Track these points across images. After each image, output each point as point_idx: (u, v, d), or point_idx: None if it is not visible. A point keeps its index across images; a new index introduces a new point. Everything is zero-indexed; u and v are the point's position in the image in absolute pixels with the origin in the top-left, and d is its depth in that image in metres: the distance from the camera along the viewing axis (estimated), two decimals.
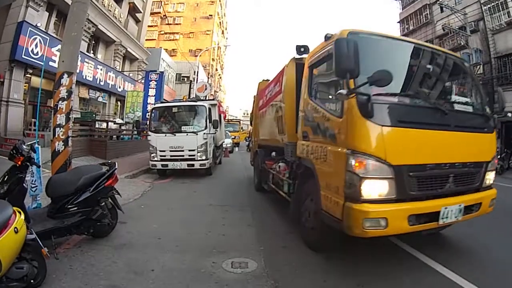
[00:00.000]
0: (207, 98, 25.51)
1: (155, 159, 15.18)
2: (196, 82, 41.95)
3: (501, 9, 28.40)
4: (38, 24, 19.32)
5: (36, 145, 6.99)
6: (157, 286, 4.80)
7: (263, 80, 13.39)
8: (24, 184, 5.54)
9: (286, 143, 8.19)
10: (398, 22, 43.72)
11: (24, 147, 5.67)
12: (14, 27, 17.84)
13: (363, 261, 5.77)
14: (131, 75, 35.31)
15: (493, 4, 29.01)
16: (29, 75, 19.45)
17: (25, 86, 19.38)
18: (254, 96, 14.74)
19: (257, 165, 12.97)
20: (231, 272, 5.32)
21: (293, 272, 5.37)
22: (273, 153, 10.48)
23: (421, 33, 38.37)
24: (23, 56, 18.02)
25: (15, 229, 4.18)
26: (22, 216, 4.47)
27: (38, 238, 4.71)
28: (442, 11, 34.16)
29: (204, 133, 15.25)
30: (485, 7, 29.67)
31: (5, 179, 5.39)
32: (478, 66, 28.53)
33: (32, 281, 4.52)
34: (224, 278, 5.08)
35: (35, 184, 7.19)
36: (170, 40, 65.97)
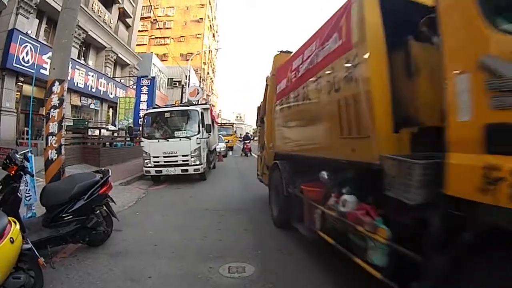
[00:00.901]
0: (199, 102, 25.59)
1: (149, 165, 15.15)
2: (188, 86, 42.02)
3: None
4: (29, 32, 19.21)
5: (29, 154, 6.97)
6: None
7: (282, 52, 9.59)
8: (18, 194, 5.52)
9: (382, 156, 3.93)
10: None
11: (17, 156, 5.65)
12: (5, 35, 17.68)
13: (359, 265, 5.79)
14: (122, 81, 35.15)
15: None
16: (21, 83, 19.32)
17: (17, 94, 19.27)
18: (267, 78, 10.60)
19: (275, 187, 8.72)
20: (228, 277, 5.33)
21: (289, 276, 5.38)
22: (324, 173, 5.73)
23: None
24: (14, 64, 17.86)
25: (11, 239, 4.13)
26: (18, 226, 4.44)
27: (34, 247, 4.65)
28: None
29: (197, 138, 15.25)
30: None
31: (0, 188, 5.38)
32: None
33: None
34: (221, 283, 5.09)
35: (29, 193, 7.17)
36: (161, 44, 66.03)
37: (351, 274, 5.24)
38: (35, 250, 4.62)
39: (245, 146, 36.62)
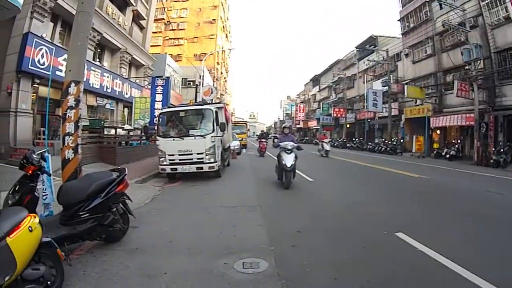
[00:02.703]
0: (213, 102, 25.61)
1: (164, 163, 15.23)
2: (202, 86, 42.06)
3: (498, 4, 28.16)
4: (44, 35, 19.42)
5: (46, 154, 7.03)
6: None
7: None
8: (35, 193, 5.61)
9: None
10: (398, 20, 43.56)
11: (34, 156, 5.74)
12: (20, 38, 17.93)
13: (372, 260, 5.81)
14: (137, 81, 35.40)
15: None
16: (37, 85, 19.52)
17: (33, 96, 19.47)
18: None
19: None
20: (242, 272, 5.35)
21: (303, 271, 5.38)
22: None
23: (421, 31, 38.19)
24: (29, 67, 18.10)
25: (30, 228, 4.32)
26: (37, 219, 4.59)
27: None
28: (441, 7, 33.90)
29: (212, 136, 15.30)
30: (483, 2, 29.41)
31: (17, 188, 5.47)
32: (479, 61, 28.39)
33: (48, 282, 4.59)
34: (236, 279, 5.11)
35: (46, 192, 7.25)
36: (175, 45, 66.39)
37: (364, 270, 5.29)
38: (54, 242, 4.73)
39: (260, 146, 32.31)
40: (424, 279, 5.00)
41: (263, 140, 32.99)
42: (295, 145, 13.95)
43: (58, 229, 5.78)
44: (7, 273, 4.08)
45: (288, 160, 13.22)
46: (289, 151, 13.46)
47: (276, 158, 14.71)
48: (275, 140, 28.02)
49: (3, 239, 4.10)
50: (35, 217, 4.59)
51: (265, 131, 46.80)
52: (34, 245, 4.41)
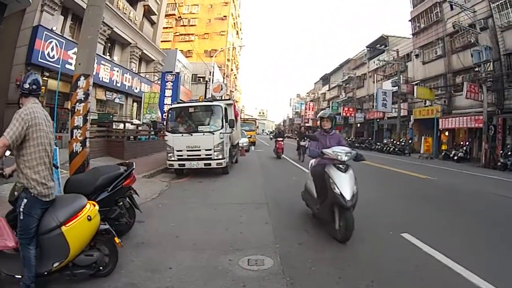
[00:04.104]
0: (223, 98, 25.58)
1: (172, 158, 15.25)
2: (212, 82, 42.10)
3: (509, 7, 28.05)
4: (54, 28, 19.54)
5: (54, 147, 7.08)
6: (174, 284, 4.83)
7: None
8: None
9: None
10: (409, 20, 43.47)
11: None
12: (30, 31, 18.11)
13: (377, 260, 5.80)
14: (147, 76, 35.54)
15: (501, 1, 28.68)
16: (46, 78, 19.60)
17: (42, 88, 19.58)
18: None
19: None
20: (247, 269, 5.35)
21: (308, 269, 5.39)
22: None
23: (432, 31, 38.20)
24: (39, 60, 18.27)
25: (88, 217, 4.61)
26: (97, 207, 4.94)
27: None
28: (452, 9, 33.81)
29: (221, 133, 15.27)
30: (493, 4, 29.31)
31: None
32: (488, 64, 28.29)
33: (101, 268, 4.85)
34: (241, 275, 5.12)
35: None
36: (185, 41, 66.34)
37: (369, 268, 5.27)
38: (112, 230, 5.02)
39: (277, 146, 26.98)
40: (428, 280, 4.97)
41: (280, 139, 27.38)
42: (353, 152, 7.18)
43: None
44: (57, 259, 4.43)
45: (345, 185, 6.61)
46: (344, 167, 6.85)
47: (307, 171, 8.82)
48: (304, 143, 23.16)
49: (58, 228, 4.39)
50: (94, 205, 4.94)
51: (281, 128, 42.65)
52: (91, 233, 4.70)
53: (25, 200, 4.16)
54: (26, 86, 4.43)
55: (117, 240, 4.99)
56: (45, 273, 4.35)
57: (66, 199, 4.77)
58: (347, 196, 6.40)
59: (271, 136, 33.80)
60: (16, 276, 4.21)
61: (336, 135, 8.05)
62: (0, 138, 3.93)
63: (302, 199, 8.92)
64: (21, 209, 4.15)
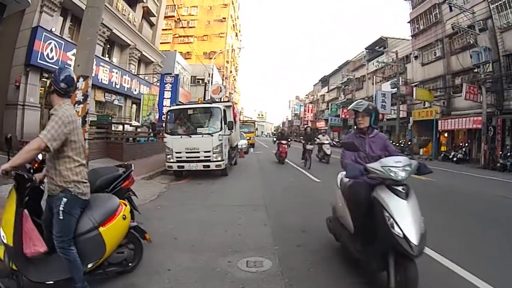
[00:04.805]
0: (222, 100, 25.63)
1: (171, 160, 15.27)
2: (211, 84, 42.12)
3: (508, 7, 28.18)
4: (53, 29, 19.54)
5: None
6: (173, 286, 4.85)
7: None
8: (41, 186, 5.62)
9: None
10: (408, 22, 43.58)
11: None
12: (29, 32, 18.10)
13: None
14: (146, 78, 35.55)
15: (500, 2, 28.81)
16: (45, 79, 19.59)
17: (41, 90, 19.58)
18: None
19: None
20: (246, 271, 5.36)
21: (307, 271, 5.39)
22: None
23: (431, 33, 38.31)
24: (38, 61, 18.27)
25: (124, 216, 4.83)
26: (129, 206, 5.21)
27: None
28: (451, 10, 33.78)
29: (220, 135, 15.29)
30: (492, 6, 29.43)
31: None
32: (488, 65, 28.37)
33: (130, 264, 5.15)
34: (239, 277, 5.12)
35: None
36: (184, 43, 66.39)
37: (368, 270, 5.26)
38: (140, 227, 5.36)
39: (280, 149, 24.01)
40: (429, 283, 4.97)
41: (284, 142, 24.14)
42: (413, 163, 4.65)
43: None
44: (92, 260, 4.46)
45: (409, 220, 4.17)
46: (404, 190, 4.43)
47: (337, 188, 6.20)
48: (311, 147, 22.07)
49: (96, 229, 4.49)
50: (125, 204, 5.12)
51: (285, 130, 39.09)
52: (124, 232, 4.92)
53: (65, 200, 4.18)
54: (63, 85, 4.31)
55: (147, 235, 5.33)
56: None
57: (100, 199, 4.85)
58: (413, 239, 4.00)
59: (274, 139, 29.53)
60: (47, 282, 4.21)
61: (378, 137, 5.48)
62: (36, 139, 3.94)
63: (328, 228, 6.46)
64: (61, 209, 4.15)
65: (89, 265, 4.43)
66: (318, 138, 25.57)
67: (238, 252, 6.11)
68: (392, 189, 4.39)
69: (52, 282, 4.19)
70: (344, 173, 5.65)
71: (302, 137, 29.65)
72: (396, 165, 4.45)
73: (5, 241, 3.95)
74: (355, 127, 5.67)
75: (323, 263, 5.73)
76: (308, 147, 21.85)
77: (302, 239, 6.92)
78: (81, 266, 4.21)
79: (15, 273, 4.06)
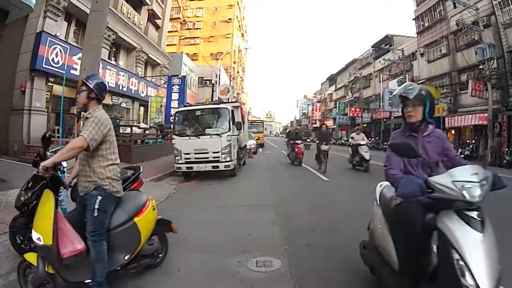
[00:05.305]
0: (229, 101, 25.58)
1: (180, 161, 15.28)
2: (218, 85, 42.15)
3: (510, 3, 28.14)
4: (58, 34, 19.62)
5: None
6: (183, 286, 4.88)
7: None
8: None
9: None
10: (413, 19, 43.47)
11: (48, 153, 5.79)
12: (33, 37, 18.20)
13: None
14: (153, 80, 35.61)
15: None
16: (51, 84, 19.74)
17: (47, 94, 19.69)
18: None
19: None
20: (255, 271, 5.36)
21: (316, 271, 5.37)
22: None
23: (436, 30, 38.23)
24: (43, 66, 18.35)
25: (153, 207, 5.18)
26: (154, 200, 5.46)
27: None
28: (455, 6, 33.70)
29: (228, 135, 15.29)
30: (495, 1, 29.35)
31: (29, 185, 5.49)
32: (492, 61, 28.25)
33: (160, 255, 5.48)
34: (249, 277, 5.12)
35: (60, 190, 7.28)
36: (191, 44, 66.53)
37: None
38: (165, 219, 5.53)
39: (296, 150, 21.69)
40: None
41: (298, 142, 22.28)
42: (488, 174, 3.27)
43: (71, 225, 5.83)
44: (129, 251, 4.71)
45: (483, 263, 2.84)
46: (480, 217, 3.09)
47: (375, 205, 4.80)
48: (327, 147, 18.81)
49: (131, 219, 4.75)
50: (152, 198, 5.35)
51: (299, 128, 34.84)
52: (154, 222, 5.18)
53: (99, 197, 4.34)
54: (103, 94, 4.70)
55: (173, 226, 5.55)
56: (118, 268, 4.61)
57: (129, 195, 5.11)
58: None
59: (287, 140, 25.80)
60: (86, 281, 4.27)
61: (435, 136, 4.07)
62: (79, 138, 4.15)
63: (362, 257, 5.00)
64: (96, 206, 4.30)
65: (126, 257, 4.63)
66: (352, 138, 20.01)
67: (248, 252, 6.10)
68: (463, 216, 3.08)
69: (89, 281, 4.26)
70: (384, 184, 4.71)
71: (316, 136, 23.67)
72: (472, 179, 3.09)
73: (42, 242, 3.95)
74: (403, 123, 4.21)
75: (333, 263, 5.69)
76: (324, 147, 18.73)
77: (311, 239, 6.88)
78: (106, 261, 4.31)
79: (51, 277, 4.08)
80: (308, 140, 22.90)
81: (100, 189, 4.38)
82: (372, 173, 16.79)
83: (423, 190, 3.24)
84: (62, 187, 4.81)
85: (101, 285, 4.26)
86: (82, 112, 8.50)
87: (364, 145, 18.87)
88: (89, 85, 4.51)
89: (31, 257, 4.11)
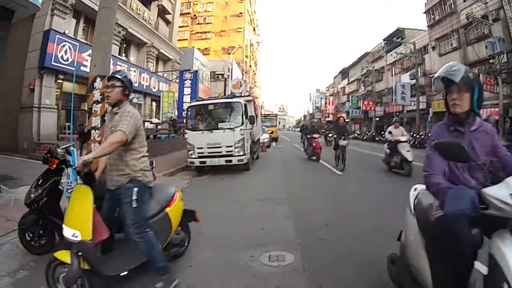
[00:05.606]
0: (242, 95, 25.54)
1: (193, 156, 15.32)
2: (231, 79, 42.11)
3: None
4: (66, 31, 19.74)
5: (71, 148, 7.07)
6: (196, 281, 4.85)
7: None
8: (59, 186, 5.65)
9: None
10: (424, 12, 43.17)
11: (59, 150, 5.79)
12: (41, 35, 18.35)
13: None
14: (165, 75, 35.77)
15: None
16: (61, 81, 19.91)
17: (57, 91, 19.86)
18: None
19: None
20: (268, 265, 5.33)
21: (329, 265, 5.32)
22: None
23: (446, 23, 37.83)
24: (52, 63, 18.50)
25: (181, 197, 5.49)
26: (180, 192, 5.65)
27: None
28: (464, 0, 33.58)
29: (241, 129, 15.29)
30: None
31: (40, 182, 5.50)
32: (502, 55, 28.01)
33: (186, 244, 5.74)
34: (261, 271, 5.09)
35: (71, 186, 7.26)
36: (202, 39, 66.51)
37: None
38: (188, 209, 5.73)
39: (314, 145, 20.17)
40: None
41: (316, 136, 20.75)
42: None
43: None
44: (162, 240, 4.83)
45: None
46: None
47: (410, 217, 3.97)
48: (346, 142, 16.78)
49: (163, 210, 4.96)
50: (178, 189, 5.64)
51: (315, 121, 30.58)
52: (181, 212, 5.42)
53: (136, 189, 4.44)
54: (132, 89, 4.81)
55: (197, 215, 5.82)
56: None
57: (159, 187, 5.17)
58: None
59: (304, 133, 24.04)
60: (121, 274, 4.32)
61: (484, 130, 3.27)
62: (118, 133, 4.18)
63: (390, 274, 4.38)
64: (134, 197, 4.39)
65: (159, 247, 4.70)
66: (390, 133, 15.92)
67: (261, 246, 6.07)
68: None
69: (126, 272, 4.34)
70: (420, 188, 3.97)
71: (332, 129, 21.96)
72: None
73: (80, 238, 3.88)
74: (448, 114, 3.36)
75: (346, 257, 5.62)
76: (342, 142, 16.70)
77: (325, 233, 6.83)
78: (159, 246, 4.56)
79: (87, 274, 4.02)
80: (330, 134, 18.97)
81: (134, 181, 4.48)
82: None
83: (475, 205, 2.56)
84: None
85: (165, 270, 4.51)
86: (92, 108, 8.55)
87: (405, 142, 14.87)
88: (124, 81, 4.58)
89: (63, 255, 4.00)
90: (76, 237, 3.88)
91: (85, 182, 4.26)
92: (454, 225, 2.65)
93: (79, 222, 3.97)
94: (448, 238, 2.69)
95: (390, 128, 16.19)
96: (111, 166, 4.56)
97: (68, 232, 3.94)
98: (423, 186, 3.56)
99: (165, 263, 4.56)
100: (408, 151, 14.32)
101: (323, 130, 40.61)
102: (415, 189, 4.01)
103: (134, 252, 4.51)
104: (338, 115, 20.75)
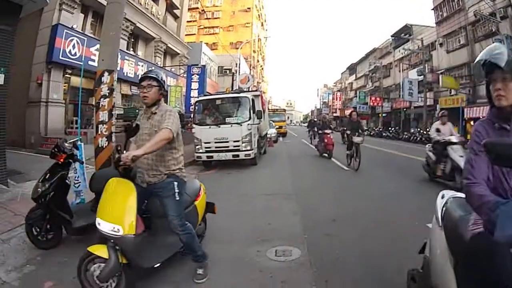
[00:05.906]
0: (250, 89, 25.52)
1: (200, 151, 15.37)
2: (238, 74, 42.11)
3: None
4: (74, 26, 19.82)
5: (79, 143, 7.07)
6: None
7: None
8: (66, 181, 5.66)
9: None
10: (432, 9, 43.05)
11: (66, 144, 5.81)
12: (49, 30, 18.43)
13: (402, 250, 5.56)
14: (173, 70, 35.81)
15: None
16: (68, 75, 19.99)
17: (64, 86, 19.97)
18: None
19: None
20: (274, 260, 5.33)
21: (335, 260, 5.32)
22: None
23: (454, 20, 37.76)
24: (60, 58, 18.59)
25: (205, 191, 6.04)
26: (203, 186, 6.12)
27: (84, 231, 5.58)
28: None
29: (248, 124, 15.30)
30: None
31: (47, 177, 5.51)
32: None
33: (204, 235, 6.14)
34: (268, 266, 5.10)
35: (78, 180, 7.27)
36: (210, 34, 66.39)
37: (397, 259, 5.13)
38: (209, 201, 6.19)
39: (326, 141, 19.12)
40: None
41: (327, 131, 19.48)
42: None
43: (89, 216, 5.77)
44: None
45: None
46: None
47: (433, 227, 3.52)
48: (360, 139, 15.33)
49: (193, 203, 5.42)
50: (202, 184, 6.16)
51: (326, 116, 25.73)
52: (205, 205, 5.95)
53: (175, 183, 4.64)
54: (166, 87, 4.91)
55: (216, 207, 6.24)
56: (181, 249, 4.93)
57: (186, 182, 5.27)
58: None
59: (315, 129, 23.92)
60: (156, 265, 4.46)
61: None
62: (166, 130, 4.32)
63: None
64: (177, 190, 4.59)
65: None
66: (438, 130, 12.24)
67: (267, 241, 6.08)
68: None
69: (159, 264, 4.50)
70: (449, 195, 3.45)
71: (347, 124, 19.49)
72: None
73: (121, 233, 3.85)
74: (492, 109, 2.67)
75: (353, 252, 5.62)
76: (356, 139, 15.25)
77: (332, 228, 6.82)
78: (196, 236, 4.88)
79: (124, 268, 4.01)
80: (347, 130, 16.49)
81: (173, 176, 4.69)
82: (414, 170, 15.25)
83: None
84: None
85: (204, 256, 4.87)
86: (100, 103, 8.54)
87: (457, 143, 11.17)
88: (161, 81, 4.69)
89: (100, 250, 3.97)
90: (117, 231, 3.85)
91: (124, 176, 4.30)
92: (499, 249, 2.03)
93: (121, 216, 3.96)
94: (489, 263, 2.11)
95: (437, 124, 12.67)
96: (148, 164, 4.63)
97: (106, 226, 3.88)
98: (452, 193, 3.30)
99: (203, 250, 4.85)
100: (461, 156, 10.47)
101: (336, 126, 39.87)
102: (443, 196, 3.43)
103: (165, 244, 4.78)
104: (351, 110, 19.41)
